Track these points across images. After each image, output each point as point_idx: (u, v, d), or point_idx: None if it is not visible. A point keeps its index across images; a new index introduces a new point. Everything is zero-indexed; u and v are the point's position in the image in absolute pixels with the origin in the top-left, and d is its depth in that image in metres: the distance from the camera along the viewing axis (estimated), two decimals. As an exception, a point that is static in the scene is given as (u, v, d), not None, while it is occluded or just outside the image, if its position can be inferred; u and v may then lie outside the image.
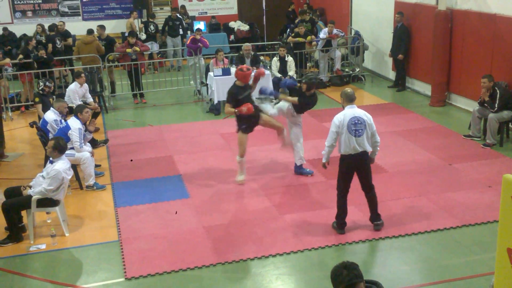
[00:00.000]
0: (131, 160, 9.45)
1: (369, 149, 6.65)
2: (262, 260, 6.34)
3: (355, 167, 6.69)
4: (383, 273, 6.02)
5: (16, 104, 12.87)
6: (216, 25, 18.73)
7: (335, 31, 14.21)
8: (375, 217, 6.92)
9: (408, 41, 13.23)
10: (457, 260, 6.28)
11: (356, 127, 6.50)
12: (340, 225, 6.89)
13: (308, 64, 15.00)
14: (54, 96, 10.58)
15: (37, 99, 10.30)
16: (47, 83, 10.33)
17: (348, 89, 6.85)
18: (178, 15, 17.17)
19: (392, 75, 14.41)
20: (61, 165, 6.90)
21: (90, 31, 13.96)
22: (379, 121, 11.14)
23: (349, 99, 6.65)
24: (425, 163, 9.02)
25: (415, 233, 6.82)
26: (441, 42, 11.88)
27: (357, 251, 6.45)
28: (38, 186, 6.92)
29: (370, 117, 6.67)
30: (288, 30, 17.54)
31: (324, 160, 6.90)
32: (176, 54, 16.84)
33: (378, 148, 6.87)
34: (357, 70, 14.87)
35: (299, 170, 8.70)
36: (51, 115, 8.79)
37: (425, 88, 12.98)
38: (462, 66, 11.64)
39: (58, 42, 14.54)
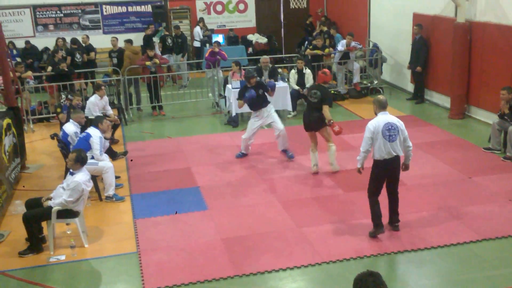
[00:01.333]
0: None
1: (401, 153, 6.91)
2: (279, 273, 6.33)
3: (388, 171, 6.91)
4: (403, 287, 5.97)
5: (37, 116, 13.06)
6: (234, 37, 18.85)
7: (353, 43, 14.22)
8: (396, 218, 7.17)
9: (426, 53, 13.19)
10: (477, 274, 6.21)
11: (390, 132, 6.75)
12: (377, 226, 7.00)
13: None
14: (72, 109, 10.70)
15: (58, 110, 10.45)
16: (69, 96, 10.49)
17: (381, 96, 7.19)
18: (182, 32, 17.26)
19: (410, 87, 14.36)
20: (81, 177, 6.98)
21: (130, 41, 14.26)
22: (398, 133, 11.11)
23: (382, 106, 6.95)
24: (444, 176, 8.95)
25: (434, 246, 6.75)
26: (460, 54, 11.83)
27: (375, 265, 6.41)
28: (58, 198, 7.00)
29: (402, 123, 6.92)
30: (306, 42, 17.59)
31: (359, 165, 7.09)
32: (180, 70, 16.87)
33: (411, 153, 7.09)
34: (375, 82, 14.85)
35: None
36: (71, 127, 8.90)
37: (444, 101, 12.90)
38: (481, 78, 11.57)
39: (78, 56, 14.76)
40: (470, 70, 11.87)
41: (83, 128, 8.94)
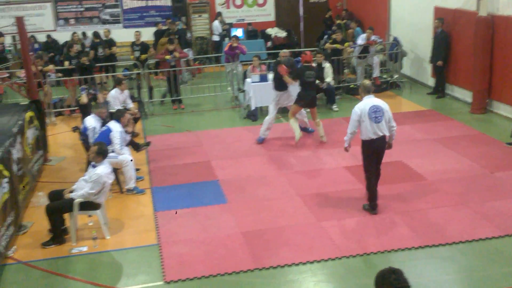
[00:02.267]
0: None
1: (387, 133, 7.39)
2: (299, 267, 6.34)
3: (375, 149, 7.41)
4: (423, 283, 5.94)
5: (59, 110, 13.20)
6: (253, 31, 18.83)
7: (373, 37, 14.12)
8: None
9: (447, 47, 13.05)
10: (498, 270, 6.15)
11: (375, 114, 7.26)
12: (373, 206, 7.53)
13: (345, 70, 14.94)
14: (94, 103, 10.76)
15: (81, 97, 10.45)
16: (90, 90, 10.55)
17: (366, 81, 7.80)
18: (180, 27, 17.06)
19: (431, 81, 14.23)
20: (103, 169, 7.06)
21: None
22: (418, 128, 11.05)
23: (367, 90, 7.46)
24: (466, 171, 8.87)
25: (455, 242, 6.71)
26: (482, 48, 11.68)
27: (396, 259, 6.38)
28: (80, 190, 7.08)
29: (387, 105, 7.43)
30: (326, 36, 17.52)
31: (346, 145, 7.69)
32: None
33: (395, 133, 7.57)
34: (395, 76, 14.74)
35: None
36: (91, 122, 8.94)
37: (466, 95, 12.77)
38: (504, 72, 11.42)
39: (100, 50, 14.86)
40: (492, 64, 11.72)
41: (104, 122, 9.00)
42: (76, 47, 13.98)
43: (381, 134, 7.30)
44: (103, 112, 9.17)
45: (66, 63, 13.32)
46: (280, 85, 10.63)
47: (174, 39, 13.64)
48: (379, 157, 7.52)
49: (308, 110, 10.81)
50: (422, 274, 6.13)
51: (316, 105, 10.66)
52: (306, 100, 10.33)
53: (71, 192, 7.19)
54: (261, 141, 10.65)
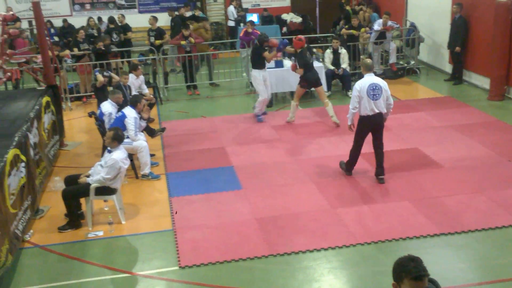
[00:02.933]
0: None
1: (384, 111, 7.81)
2: (313, 253, 6.35)
3: (372, 126, 7.85)
4: (438, 271, 5.90)
5: (75, 95, 13.27)
6: (269, 17, 18.72)
7: (389, 23, 13.96)
8: (381, 171, 8.02)
9: (465, 33, 12.86)
10: (515, 259, 6.11)
11: (374, 92, 7.68)
12: (349, 169, 8.26)
13: (361, 56, 14.80)
14: (111, 88, 10.76)
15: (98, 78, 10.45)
16: (104, 73, 10.51)
17: (367, 59, 8.31)
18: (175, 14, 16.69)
19: (448, 68, 14.06)
20: (119, 155, 7.09)
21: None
22: (435, 115, 10.95)
23: (368, 68, 7.86)
24: (482, 158, 8.78)
25: (471, 230, 6.66)
26: (500, 34, 11.50)
27: (411, 247, 6.35)
28: (96, 175, 7.13)
29: (385, 84, 7.86)
30: (342, 22, 17.36)
31: (349, 123, 8.07)
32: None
33: (391, 110, 8.01)
34: (412, 62, 14.59)
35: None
36: (107, 107, 8.95)
37: (483, 82, 12.61)
38: (523, 59, 11.25)
39: (115, 35, 14.87)
40: (511, 51, 11.53)
41: (121, 107, 9.02)
42: (83, 33, 13.92)
43: (377, 111, 7.72)
44: (120, 98, 9.18)
45: (75, 50, 13.31)
46: (259, 63, 10.89)
47: (190, 24, 13.60)
48: (378, 133, 7.93)
49: (314, 89, 11.28)
50: (438, 262, 6.10)
51: (321, 84, 10.81)
52: (310, 81, 10.51)
53: (87, 176, 7.25)
54: (260, 121, 11.07)
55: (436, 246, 6.43)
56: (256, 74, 10.95)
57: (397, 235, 6.61)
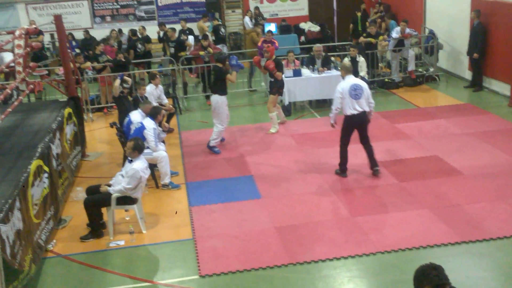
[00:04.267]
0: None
1: (367, 109, 8.32)
2: (333, 262, 6.34)
3: (356, 124, 8.34)
4: (459, 279, 5.85)
5: (96, 106, 13.45)
6: (287, 26, 18.79)
7: (407, 30, 13.93)
8: (374, 163, 8.56)
9: (484, 39, 12.77)
10: (538, 267, 6.03)
11: (356, 92, 8.21)
12: (343, 170, 8.64)
13: (380, 64, 14.80)
14: (131, 98, 10.80)
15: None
16: (124, 85, 10.59)
17: (346, 62, 9.07)
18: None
19: (468, 75, 13.97)
20: (139, 165, 7.18)
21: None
22: (454, 122, 10.88)
23: (348, 71, 8.44)
24: (503, 166, 8.70)
25: (493, 238, 6.60)
26: (521, 40, 11.41)
27: (431, 255, 6.31)
28: (117, 185, 7.22)
29: (366, 84, 8.49)
30: (351, 26, 17.46)
31: (332, 121, 8.55)
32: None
33: (373, 109, 8.56)
34: (431, 70, 14.52)
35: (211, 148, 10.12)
36: (137, 117, 8.95)
37: (504, 88, 12.50)
38: (544, 65, 11.14)
39: (140, 46, 15.08)
40: (532, 57, 11.45)
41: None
42: (102, 46, 14.10)
43: (360, 109, 8.22)
44: (149, 108, 9.01)
45: (95, 63, 13.48)
46: (223, 87, 9.91)
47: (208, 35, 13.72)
48: (363, 130, 8.42)
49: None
50: (459, 270, 6.06)
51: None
52: (282, 87, 11.11)
53: (108, 185, 7.34)
54: (218, 152, 10.06)
55: (457, 254, 6.38)
56: (220, 99, 9.87)
57: (417, 244, 6.57)
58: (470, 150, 9.42)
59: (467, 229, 6.84)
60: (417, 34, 14.96)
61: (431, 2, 15.91)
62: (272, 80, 11.11)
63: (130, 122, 8.93)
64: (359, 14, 18.18)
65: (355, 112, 8.24)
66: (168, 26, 16.40)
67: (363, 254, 6.44)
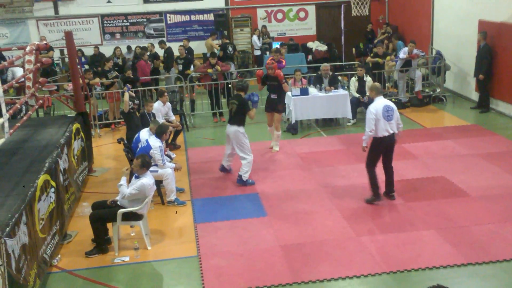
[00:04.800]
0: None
1: (396, 131, 8.19)
2: (338, 282, 6.32)
3: (386, 146, 8.17)
4: (465, 301, 5.84)
5: (104, 122, 13.54)
6: (294, 45, 18.92)
7: (415, 51, 13.99)
8: (391, 188, 8.43)
9: (490, 61, 12.80)
10: (545, 291, 5.98)
11: (388, 113, 8.04)
12: (376, 195, 8.32)
13: (387, 84, 14.84)
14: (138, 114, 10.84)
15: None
16: (135, 101, 10.65)
17: (376, 83, 8.78)
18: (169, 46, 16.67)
19: (475, 96, 13.98)
20: (146, 180, 7.22)
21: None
22: (461, 143, 10.86)
23: (379, 92, 8.24)
24: (510, 187, 8.66)
25: (499, 260, 6.56)
26: (528, 62, 11.43)
27: (437, 277, 6.28)
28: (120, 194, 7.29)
29: (395, 105, 8.27)
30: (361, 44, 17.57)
31: (364, 144, 8.25)
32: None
33: (401, 130, 8.36)
34: (438, 90, 14.54)
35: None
36: (145, 134, 8.95)
37: (511, 110, 12.50)
38: (552, 87, 11.13)
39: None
40: (539, 79, 11.45)
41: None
42: (111, 63, 14.25)
43: (391, 131, 8.08)
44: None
45: (103, 78, 13.60)
46: (244, 120, 9.43)
47: (217, 53, 13.82)
48: (390, 152, 8.27)
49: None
50: (464, 292, 6.02)
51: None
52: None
53: (115, 202, 7.37)
54: (253, 183, 9.40)
55: (463, 276, 6.34)
56: (240, 130, 9.28)
57: (423, 265, 6.54)
58: (476, 171, 9.40)
59: (473, 250, 6.80)
60: (424, 54, 15.01)
61: (439, 23, 16.00)
62: (275, 97, 10.94)
63: (138, 139, 8.96)
64: (383, 36, 18.28)
65: (386, 134, 8.05)
66: (176, 44, 16.56)
67: (368, 274, 6.41)
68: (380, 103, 8.09)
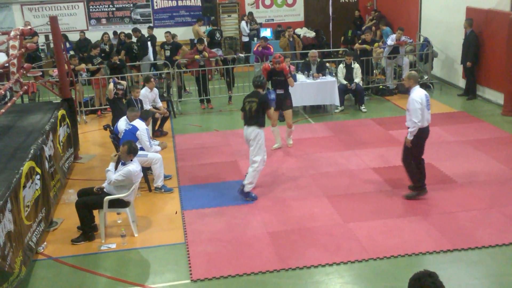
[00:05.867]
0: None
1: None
2: (326, 268, 6.33)
3: (427, 136, 7.87)
4: (451, 287, 5.86)
5: (90, 108, 13.42)
6: (282, 31, 18.81)
7: (403, 37, 13.98)
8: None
9: (477, 48, 12.83)
10: (530, 276, 6.04)
11: (428, 102, 7.70)
12: (423, 186, 7.98)
13: (374, 71, 14.84)
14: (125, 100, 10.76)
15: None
16: (118, 86, 10.54)
17: (413, 71, 8.27)
18: (142, 34, 16.18)
19: (462, 83, 14.03)
20: (133, 167, 7.16)
21: None
22: (448, 130, 10.91)
23: (417, 80, 7.83)
24: (496, 174, 8.73)
25: (485, 246, 6.61)
26: (515, 50, 11.47)
27: (424, 263, 6.32)
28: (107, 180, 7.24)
29: None
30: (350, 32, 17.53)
31: (411, 138, 7.77)
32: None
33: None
34: (426, 77, 14.57)
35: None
36: (122, 125, 8.85)
37: (497, 97, 12.56)
38: (538, 74, 11.19)
39: (136, 48, 15.07)
40: (525, 66, 11.51)
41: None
42: (98, 50, 14.10)
43: (430, 121, 7.83)
44: (135, 116, 8.81)
45: (89, 64, 13.46)
46: (263, 121, 8.39)
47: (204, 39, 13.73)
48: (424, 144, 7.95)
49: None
50: (451, 278, 6.05)
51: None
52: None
53: (101, 189, 7.31)
54: (256, 199, 8.31)
55: (449, 262, 6.38)
56: (261, 132, 8.22)
57: (410, 251, 6.57)
58: (463, 158, 9.45)
59: (460, 237, 6.84)
60: (412, 41, 15.01)
61: (427, 10, 15.99)
62: (281, 92, 10.11)
63: (117, 130, 8.86)
64: (371, 23, 18.25)
65: (427, 124, 7.77)
66: (163, 30, 16.41)
67: (356, 260, 6.43)
68: (421, 92, 7.71)
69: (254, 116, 8.14)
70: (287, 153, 10.14)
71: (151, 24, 18.33)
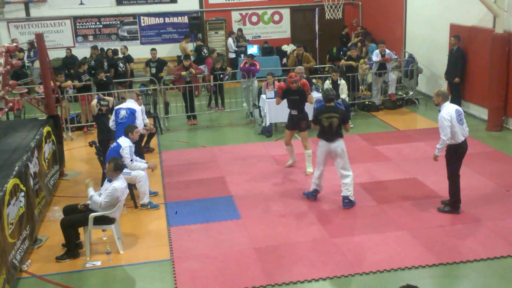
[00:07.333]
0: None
1: (467, 135, 7.88)
2: (312, 284, 6.32)
3: (463, 151, 7.85)
4: (436, 301, 5.90)
5: (76, 125, 13.37)
6: (269, 48, 18.95)
7: (387, 51, 14.11)
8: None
9: (464, 64, 13.00)
10: (514, 290, 6.08)
11: (460, 117, 7.70)
12: (458, 206, 7.94)
13: (360, 87, 14.95)
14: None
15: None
16: (102, 102, 10.50)
17: (442, 88, 8.22)
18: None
19: (447, 98, 14.15)
20: (118, 184, 7.13)
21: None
22: (433, 145, 10.91)
23: (446, 97, 7.84)
24: (481, 189, 8.80)
25: (470, 260, 6.64)
26: (498, 66, 11.63)
27: (409, 277, 6.33)
28: (95, 204, 7.16)
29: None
30: (335, 50, 17.67)
31: (438, 154, 7.88)
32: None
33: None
34: (411, 93, 14.71)
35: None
36: (126, 142, 8.61)
37: (481, 112, 12.70)
38: (521, 90, 11.34)
39: (121, 65, 15.08)
40: (508, 82, 11.65)
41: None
42: (86, 66, 14.12)
43: (466, 135, 7.81)
44: (133, 96, 9.51)
45: (75, 82, 13.44)
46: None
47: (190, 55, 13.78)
48: (462, 159, 7.93)
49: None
50: (436, 292, 6.08)
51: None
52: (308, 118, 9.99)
53: (86, 206, 7.26)
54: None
55: (434, 276, 6.41)
56: (344, 144, 8.49)
57: (395, 265, 6.59)
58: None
59: (445, 251, 6.88)
60: (397, 57, 15.17)
61: (411, 27, 16.19)
62: (295, 113, 9.89)
63: (118, 146, 8.73)
64: (357, 39, 18.46)
65: (463, 139, 7.73)
66: (150, 46, 16.46)
67: (342, 275, 6.43)
68: (451, 107, 7.72)
69: (336, 131, 8.33)
70: (273, 169, 10.14)
71: (125, 44, 18.18)
